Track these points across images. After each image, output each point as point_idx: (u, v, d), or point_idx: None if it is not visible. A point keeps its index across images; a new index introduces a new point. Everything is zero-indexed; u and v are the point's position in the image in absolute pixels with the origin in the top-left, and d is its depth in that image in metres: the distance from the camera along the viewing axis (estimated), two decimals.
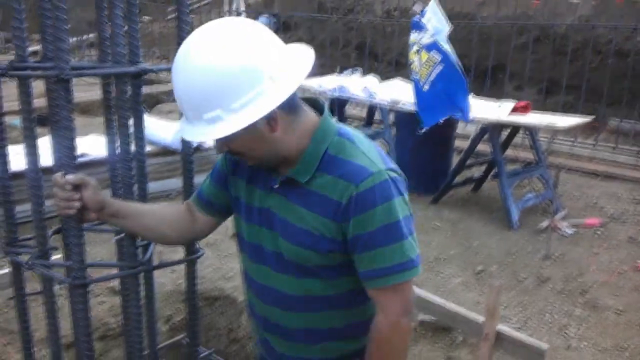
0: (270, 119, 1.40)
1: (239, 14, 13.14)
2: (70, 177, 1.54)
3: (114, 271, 1.83)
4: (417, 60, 5.03)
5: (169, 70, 1.90)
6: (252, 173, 1.62)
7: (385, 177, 1.45)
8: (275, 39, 1.40)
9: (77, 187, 1.56)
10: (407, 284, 1.52)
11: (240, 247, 1.72)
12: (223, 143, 1.43)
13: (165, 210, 1.82)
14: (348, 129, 1.56)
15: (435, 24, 4.83)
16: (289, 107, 1.44)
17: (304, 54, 1.45)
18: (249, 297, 1.74)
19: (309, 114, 1.53)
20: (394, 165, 1.52)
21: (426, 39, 4.89)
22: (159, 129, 5.77)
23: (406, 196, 1.51)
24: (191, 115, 1.39)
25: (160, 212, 1.77)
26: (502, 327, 2.88)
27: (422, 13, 4.93)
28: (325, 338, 1.63)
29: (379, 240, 1.45)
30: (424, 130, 5.12)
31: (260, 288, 1.65)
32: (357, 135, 1.55)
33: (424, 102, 5.08)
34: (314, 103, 1.57)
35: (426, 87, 5.02)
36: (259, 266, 1.63)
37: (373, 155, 1.50)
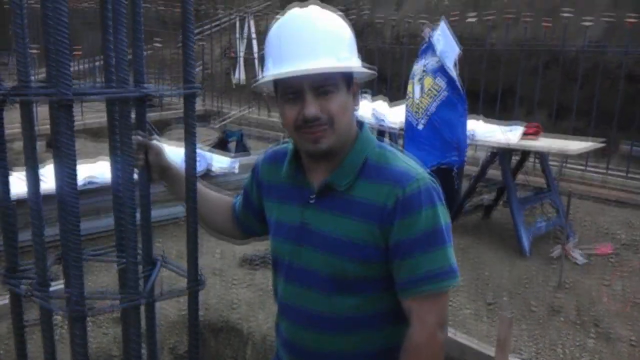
0: (355, 91, 1.56)
1: (249, 41, 13.23)
2: (137, 137, 1.66)
3: (116, 302, 1.78)
4: (418, 89, 4.98)
5: (173, 94, 1.88)
6: (283, 191, 1.65)
7: (429, 183, 1.50)
8: None
9: (142, 147, 1.69)
10: (446, 294, 1.51)
11: (273, 269, 1.74)
12: (320, 102, 1.46)
13: (220, 201, 1.92)
14: (386, 143, 1.62)
15: (442, 46, 4.80)
16: None
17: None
18: (279, 320, 1.73)
19: (355, 123, 1.60)
20: (431, 175, 1.55)
21: (432, 63, 4.86)
22: (169, 154, 5.77)
23: (445, 205, 1.53)
24: (322, 52, 1.45)
25: (215, 201, 1.90)
26: None
27: (431, 35, 4.91)
28: None
29: (422, 246, 1.45)
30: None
31: (293, 311, 1.63)
32: (394, 147, 1.61)
33: (414, 144, 5.00)
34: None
35: (421, 126, 4.94)
36: (293, 287, 1.61)
37: (413, 162, 1.56)
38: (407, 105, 5.16)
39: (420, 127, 4.93)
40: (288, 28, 1.48)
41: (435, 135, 4.89)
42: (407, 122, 5.11)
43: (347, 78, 1.51)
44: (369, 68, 1.56)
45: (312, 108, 1.45)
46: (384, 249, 1.48)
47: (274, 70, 1.49)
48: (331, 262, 1.51)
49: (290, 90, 1.48)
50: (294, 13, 1.50)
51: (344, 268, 1.50)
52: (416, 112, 4.98)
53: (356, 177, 1.51)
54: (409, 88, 5.12)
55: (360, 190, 1.50)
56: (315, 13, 1.49)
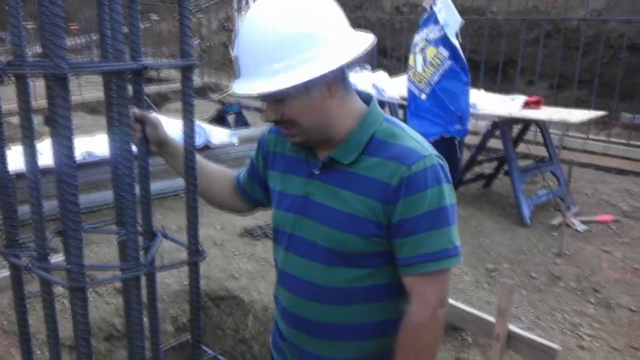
0: (331, 84, 1.46)
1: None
2: (134, 110, 1.66)
3: (117, 273, 1.79)
4: (420, 60, 4.94)
5: (171, 66, 1.87)
6: (289, 162, 1.65)
7: (435, 161, 1.47)
8: (340, 12, 1.49)
9: (140, 121, 1.70)
10: (447, 272, 1.51)
11: (274, 238, 1.74)
12: (278, 107, 1.46)
13: (220, 174, 1.91)
14: (395, 119, 1.59)
15: (445, 16, 4.75)
16: (345, 80, 1.51)
17: (364, 34, 1.52)
18: (278, 291, 1.74)
19: (358, 99, 1.58)
20: (439, 153, 1.52)
21: (435, 32, 4.82)
22: (168, 127, 5.76)
23: (452, 184, 1.52)
24: (258, 66, 1.40)
25: (215, 174, 1.89)
26: (514, 328, 2.83)
27: (433, 4, 4.85)
28: (355, 335, 1.60)
29: (426, 225, 1.44)
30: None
31: (293, 280, 1.63)
32: (403, 124, 1.57)
33: (417, 115, 4.97)
34: (361, 95, 1.61)
35: (424, 96, 4.91)
36: (294, 256, 1.62)
37: (422, 140, 1.52)
38: (409, 76, 5.13)
39: (423, 97, 4.91)
40: (241, 34, 1.47)
41: (439, 106, 4.87)
42: (410, 92, 5.08)
43: (307, 82, 1.39)
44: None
45: (268, 115, 1.50)
46: (385, 225, 1.48)
47: (236, 81, 1.52)
48: (332, 235, 1.51)
49: (257, 97, 1.51)
50: (249, 15, 1.47)
51: (344, 241, 1.50)
52: (419, 82, 4.95)
53: (362, 152, 1.50)
54: (411, 59, 5.08)
55: (365, 165, 1.49)
56: (264, 16, 1.41)
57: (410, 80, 5.08)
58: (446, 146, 5.01)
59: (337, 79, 1.47)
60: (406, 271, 1.49)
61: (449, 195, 1.48)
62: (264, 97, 1.48)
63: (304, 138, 1.52)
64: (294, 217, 1.60)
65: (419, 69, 4.95)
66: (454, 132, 5.02)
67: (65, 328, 3.10)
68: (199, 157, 1.82)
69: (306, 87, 1.41)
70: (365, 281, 1.54)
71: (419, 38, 4.99)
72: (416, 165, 1.43)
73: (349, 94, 1.54)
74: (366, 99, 1.59)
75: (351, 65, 1.50)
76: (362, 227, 1.48)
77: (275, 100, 1.46)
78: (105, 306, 3.59)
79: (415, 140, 1.50)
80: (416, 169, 1.43)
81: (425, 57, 4.90)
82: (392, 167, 1.45)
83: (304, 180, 1.59)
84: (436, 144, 4.81)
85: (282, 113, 1.47)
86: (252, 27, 1.43)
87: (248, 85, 1.43)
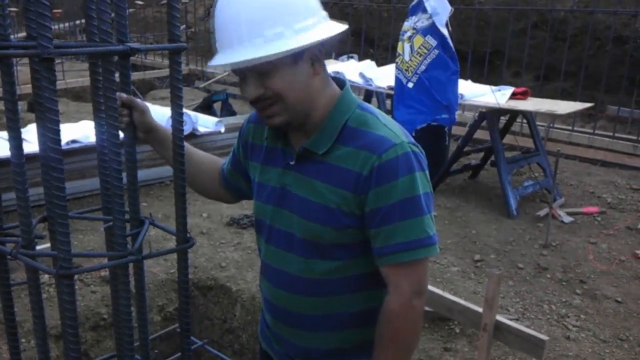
0: (314, 60, 1.43)
1: None
2: (121, 95, 1.61)
3: (104, 260, 1.76)
4: (408, 49, 4.92)
5: (157, 49, 1.82)
6: (266, 153, 1.62)
7: (407, 149, 1.44)
8: None
9: (127, 106, 1.65)
10: (423, 262, 1.48)
11: (256, 230, 1.73)
12: (261, 82, 1.40)
13: (207, 162, 1.88)
14: (369, 105, 1.55)
15: (434, 4, 4.73)
16: (323, 61, 1.48)
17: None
18: (261, 281, 1.73)
19: (333, 83, 1.54)
20: (414, 141, 1.49)
21: (422, 21, 4.79)
22: (153, 114, 5.70)
23: (427, 172, 1.49)
24: (246, 35, 1.35)
25: (202, 162, 1.86)
26: (501, 318, 2.83)
27: None
28: (335, 325, 1.59)
29: (398, 214, 1.42)
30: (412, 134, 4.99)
31: (273, 271, 1.63)
32: (377, 110, 1.54)
33: (404, 103, 4.96)
34: (335, 80, 1.57)
35: (411, 84, 4.90)
36: (273, 248, 1.61)
37: (395, 128, 1.48)
38: (397, 64, 5.10)
39: (410, 85, 4.89)
40: (218, 6, 1.42)
41: (425, 94, 4.85)
42: (397, 80, 5.06)
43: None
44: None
45: (251, 90, 1.42)
46: (358, 216, 1.46)
47: (213, 57, 1.44)
48: (307, 227, 1.50)
49: (235, 72, 1.45)
50: None
51: (318, 233, 1.49)
52: (406, 70, 4.93)
53: (335, 141, 1.47)
54: (399, 46, 5.05)
55: (338, 155, 1.47)
56: None
57: (398, 68, 5.06)
58: (434, 134, 5.01)
59: (320, 56, 1.45)
60: (381, 261, 1.47)
61: (423, 183, 1.45)
62: (248, 70, 1.39)
63: (285, 118, 1.46)
64: (272, 209, 1.59)
65: (406, 57, 4.93)
66: (441, 121, 5.01)
67: (51, 317, 3.07)
68: (186, 145, 1.78)
69: (294, 60, 1.39)
70: (342, 272, 1.53)
71: (407, 25, 4.97)
72: (387, 154, 1.41)
73: (327, 75, 1.52)
74: (340, 84, 1.56)
75: (329, 46, 1.48)
76: (335, 218, 1.46)
77: (260, 73, 1.39)
78: (91, 295, 3.54)
79: (387, 127, 1.47)
80: (387, 158, 1.41)
81: (413, 45, 4.88)
82: (363, 157, 1.42)
83: (281, 172, 1.57)
84: (423, 132, 4.84)
85: (267, 87, 1.41)
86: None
87: (236, 56, 1.35)
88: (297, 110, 1.45)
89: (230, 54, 1.37)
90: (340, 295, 1.56)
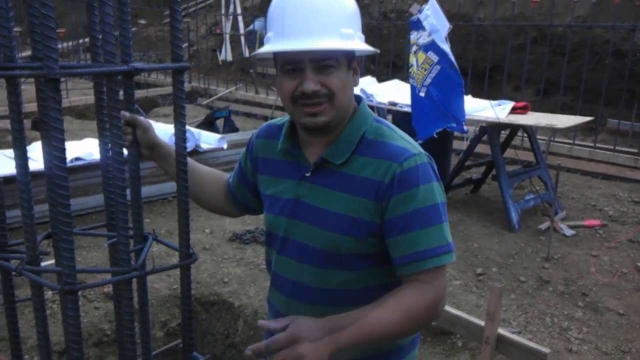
0: (354, 72, 1.54)
1: (235, 17, 13.11)
2: (124, 113, 1.65)
3: (108, 276, 1.78)
4: (415, 62, 4.98)
5: (161, 69, 1.86)
6: (279, 166, 1.65)
7: (425, 160, 1.50)
8: None
9: (130, 124, 1.69)
10: (444, 269, 1.49)
11: (267, 242, 1.74)
12: (318, 78, 1.44)
13: (211, 177, 1.90)
14: (383, 119, 1.61)
15: (433, 21, 4.77)
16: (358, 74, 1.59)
17: None
18: (271, 294, 1.74)
19: (353, 99, 1.60)
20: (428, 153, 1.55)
21: (424, 38, 4.84)
22: (157, 132, 5.75)
23: (441, 183, 1.54)
24: (328, 28, 1.43)
25: (205, 176, 1.88)
26: (503, 331, 2.84)
27: (420, 10, 4.88)
28: None
29: (419, 222, 1.45)
30: (420, 142, 5.02)
31: (286, 282, 1.64)
32: (392, 124, 1.60)
33: (419, 111, 5.00)
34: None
35: (422, 93, 4.96)
36: (287, 259, 1.62)
37: (411, 140, 1.55)
38: (410, 73, 5.14)
39: (422, 94, 4.95)
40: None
41: (433, 105, 4.91)
42: (412, 87, 5.10)
43: (348, 55, 1.49)
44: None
45: (310, 83, 1.44)
46: (379, 225, 1.48)
47: (275, 43, 1.46)
48: (325, 237, 1.52)
49: (290, 63, 1.46)
50: None
51: (337, 243, 1.50)
52: (417, 80, 4.99)
53: (352, 153, 1.51)
54: (410, 57, 5.10)
55: (356, 165, 1.50)
56: None
57: (411, 77, 5.10)
58: (440, 138, 5.02)
59: (359, 69, 1.56)
60: (404, 270, 1.48)
61: (440, 193, 1.50)
62: (313, 62, 1.44)
63: (328, 118, 1.49)
64: (286, 221, 1.60)
65: (416, 68, 5.00)
66: (452, 129, 5.07)
67: (55, 333, 3.08)
68: (190, 160, 1.81)
69: (348, 65, 1.49)
70: (358, 283, 1.55)
71: (413, 39, 5.02)
72: (407, 163, 1.46)
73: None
74: (357, 99, 1.62)
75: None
76: (356, 227, 1.48)
77: (320, 68, 1.44)
78: (94, 311, 3.56)
79: (405, 139, 1.53)
80: (408, 166, 1.45)
81: (417, 60, 4.94)
82: (383, 166, 1.46)
83: (295, 183, 1.59)
84: (434, 139, 4.88)
85: (323, 85, 1.45)
86: None
87: (320, 43, 1.41)
88: (339, 114, 1.50)
89: (311, 42, 1.41)
90: (356, 306, 1.54)
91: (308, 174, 1.56)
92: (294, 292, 1.62)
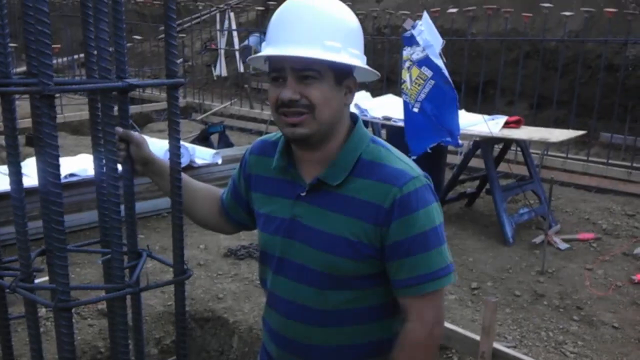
0: (348, 92, 1.52)
1: (230, 33, 13.16)
2: (118, 129, 1.65)
3: (102, 293, 1.78)
4: (408, 78, 5.00)
5: (156, 85, 1.86)
6: (274, 184, 1.62)
7: (424, 182, 1.49)
8: None
9: (124, 140, 1.69)
10: (443, 291, 1.52)
11: (261, 261, 1.72)
12: (299, 87, 1.43)
13: (205, 193, 1.88)
14: (380, 139, 1.60)
15: (427, 37, 4.81)
16: (353, 95, 1.57)
17: None
18: (267, 313, 1.71)
19: (349, 119, 1.58)
20: (425, 173, 1.54)
21: (417, 54, 4.87)
22: (152, 147, 5.75)
23: (439, 202, 1.54)
24: (306, 38, 1.42)
25: (199, 192, 1.86)
26: (499, 346, 2.83)
27: (413, 26, 4.92)
28: (349, 356, 1.58)
29: (420, 246, 1.46)
30: (413, 158, 5.02)
31: (282, 302, 1.61)
32: (388, 144, 1.58)
33: (412, 127, 5.01)
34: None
35: (415, 109, 4.97)
36: (283, 279, 1.60)
37: (408, 161, 1.53)
38: (402, 89, 5.16)
39: (415, 110, 4.96)
40: (288, 9, 1.47)
41: (428, 120, 4.92)
42: (405, 104, 5.11)
43: (336, 70, 1.46)
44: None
45: (288, 91, 1.43)
46: (378, 248, 1.48)
47: (264, 50, 1.49)
48: (323, 259, 1.50)
49: (275, 70, 1.47)
50: None
51: (336, 265, 1.49)
52: (410, 96, 5.00)
53: (349, 174, 1.49)
54: (403, 73, 5.12)
55: (354, 187, 1.48)
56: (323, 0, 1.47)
57: (404, 93, 5.12)
58: (434, 152, 5.03)
59: (353, 89, 1.54)
60: (405, 292, 1.49)
61: (438, 214, 1.51)
62: (294, 71, 1.43)
63: (308, 131, 1.46)
64: (282, 241, 1.58)
65: (409, 85, 5.01)
66: (447, 142, 5.07)
67: (48, 350, 3.06)
68: (185, 176, 1.81)
69: (336, 82, 1.46)
70: (358, 303, 1.54)
71: (406, 55, 5.04)
72: (407, 187, 1.45)
73: (349, 109, 1.58)
74: (353, 118, 1.60)
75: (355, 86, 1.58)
76: (355, 249, 1.47)
77: (302, 78, 1.43)
78: (88, 328, 3.54)
79: (403, 161, 1.52)
80: (407, 190, 1.44)
81: (411, 75, 4.95)
82: (383, 189, 1.45)
83: (291, 202, 1.56)
84: (428, 153, 4.89)
85: (304, 95, 1.44)
86: (313, 3, 1.45)
87: (300, 50, 1.40)
88: (322, 129, 1.47)
89: (291, 49, 1.41)
90: (356, 326, 1.56)
91: (304, 194, 1.54)
92: (292, 313, 1.59)
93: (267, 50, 1.47)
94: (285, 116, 1.46)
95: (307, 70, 1.42)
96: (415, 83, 4.90)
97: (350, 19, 1.50)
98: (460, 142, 5.09)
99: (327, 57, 1.41)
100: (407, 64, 4.99)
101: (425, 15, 4.99)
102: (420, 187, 1.46)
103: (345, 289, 1.52)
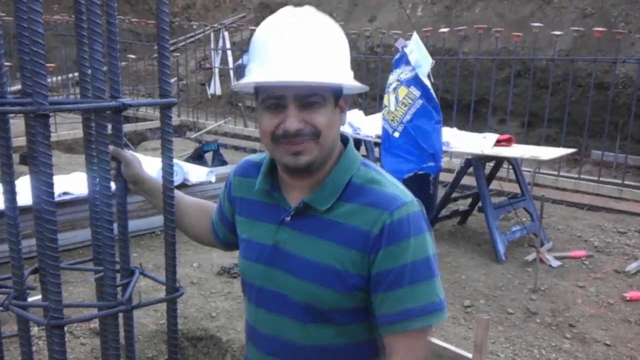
0: (341, 111, 1.42)
1: (224, 52, 13.24)
2: (110, 147, 1.65)
3: (95, 311, 1.78)
4: (393, 100, 5.04)
5: (149, 105, 1.89)
6: (257, 208, 1.52)
7: (417, 208, 1.38)
8: None
9: (114, 158, 1.69)
10: (431, 329, 1.39)
11: (243, 290, 1.60)
12: (302, 115, 1.32)
13: (198, 209, 1.85)
14: (371, 162, 1.49)
15: (417, 57, 4.87)
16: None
17: None
18: (248, 350, 1.59)
19: (339, 139, 1.47)
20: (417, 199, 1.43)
21: (406, 73, 4.94)
22: (145, 166, 5.76)
23: (432, 232, 1.42)
24: (307, 61, 1.29)
25: (192, 209, 1.83)
26: None
27: (404, 45, 4.99)
28: None
29: (409, 277, 1.33)
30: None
31: (263, 338, 1.49)
32: (380, 168, 1.48)
33: (391, 152, 5.06)
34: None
35: (397, 134, 5.00)
36: (264, 312, 1.48)
37: (401, 186, 1.43)
38: (383, 115, 5.22)
39: (396, 134, 4.99)
40: (279, 27, 1.33)
41: (411, 143, 4.95)
42: (384, 130, 5.16)
43: (336, 91, 1.37)
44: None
45: (294, 121, 1.31)
46: (365, 278, 1.36)
47: (257, 73, 1.34)
48: (307, 289, 1.38)
49: (272, 97, 1.33)
50: (287, 12, 1.35)
51: (320, 296, 1.37)
52: (392, 120, 5.04)
53: (338, 198, 1.38)
54: (385, 98, 5.18)
55: (342, 212, 1.37)
56: (311, 15, 1.34)
57: (384, 119, 5.17)
58: (419, 182, 5.07)
59: (345, 108, 1.44)
60: (389, 329, 1.36)
61: (431, 244, 1.38)
62: (297, 98, 1.32)
63: (312, 158, 1.35)
64: (262, 269, 1.46)
65: (392, 107, 5.06)
66: (428, 169, 5.09)
67: None
68: (178, 193, 1.82)
69: (335, 103, 1.37)
70: (344, 339, 1.43)
71: (392, 78, 5.11)
72: (398, 212, 1.33)
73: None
74: (343, 140, 1.49)
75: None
76: (340, 280, 1.35)
77: (308, 103, 1.32)
78: (80, 347, 3.52)
79: (395, 185, 1.40)
80: (398, 216, 1.33)
81: (398, 96, 5.00)
82: (372, 214, 1.34)
83: (274, 228, 1.45)
84: (409, 180, 4.91)
85: (308, 122, 1.32)
86: (306, 21, 1.33)
87: (307, 75, 1.28)
88: (324, 153, 1.38)
89: (296, 74, 1.28)
90: None
91: (288, 218, 1.43)
92: (274, 350, 1.47)
93: (262, 75, 1.32)
94: (286, 145, 1.34)
95: (312, 96, 1.32)
96: (402, 103, 4.95)
97: (343, 38, 1.39)
98: (441, 166, 5.12)
99: (336, 80, 1.33)
100: (392, 86, 5.05)
101: (415, 35, 5.06)
102: (412, 213, 1.35)
103: (329, 323, 1.40)
